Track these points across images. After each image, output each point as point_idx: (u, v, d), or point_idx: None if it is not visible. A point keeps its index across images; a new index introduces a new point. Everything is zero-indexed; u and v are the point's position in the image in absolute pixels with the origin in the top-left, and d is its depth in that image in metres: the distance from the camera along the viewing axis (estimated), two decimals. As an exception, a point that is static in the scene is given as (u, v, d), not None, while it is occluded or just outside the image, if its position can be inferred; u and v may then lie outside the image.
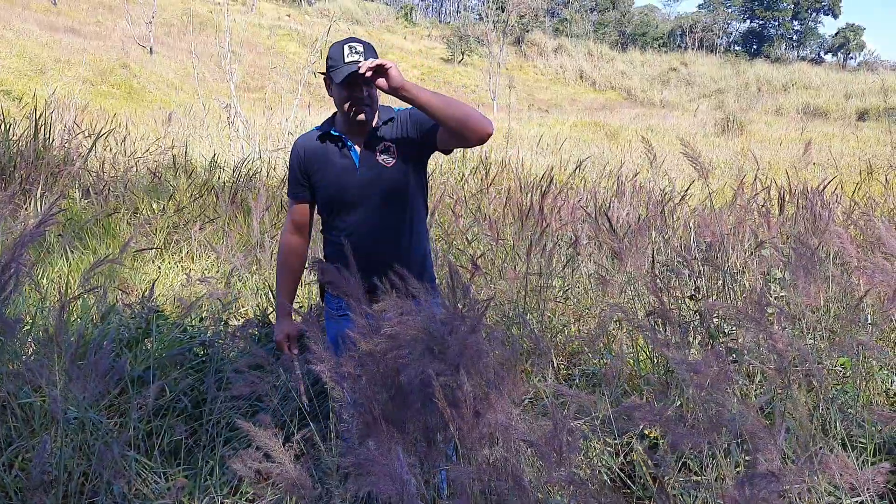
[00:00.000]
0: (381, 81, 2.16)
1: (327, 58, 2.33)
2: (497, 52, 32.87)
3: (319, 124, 2.52)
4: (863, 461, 2.24)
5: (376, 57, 2.29)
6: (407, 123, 2.42)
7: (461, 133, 2.22)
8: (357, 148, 2.41)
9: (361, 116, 2.33)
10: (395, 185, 2.40)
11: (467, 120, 2.19)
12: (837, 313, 3.16)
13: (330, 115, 2.53)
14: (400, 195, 2.42)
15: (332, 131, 2.43)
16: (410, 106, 2.30)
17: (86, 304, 3.46)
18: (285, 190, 6.60)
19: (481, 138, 2.25)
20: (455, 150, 2.72)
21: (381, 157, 2.39)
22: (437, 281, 2.64)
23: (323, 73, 2.41)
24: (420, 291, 1.98)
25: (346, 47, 2.26)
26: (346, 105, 2.32)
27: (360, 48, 2.26)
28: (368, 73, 2.13)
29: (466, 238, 5.27)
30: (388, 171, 2.39)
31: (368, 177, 2.39)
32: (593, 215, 4.40)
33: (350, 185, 2.40)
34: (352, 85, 2.27)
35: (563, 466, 1.67)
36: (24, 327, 2.97)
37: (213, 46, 20.24)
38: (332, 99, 2.42)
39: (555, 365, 3.44)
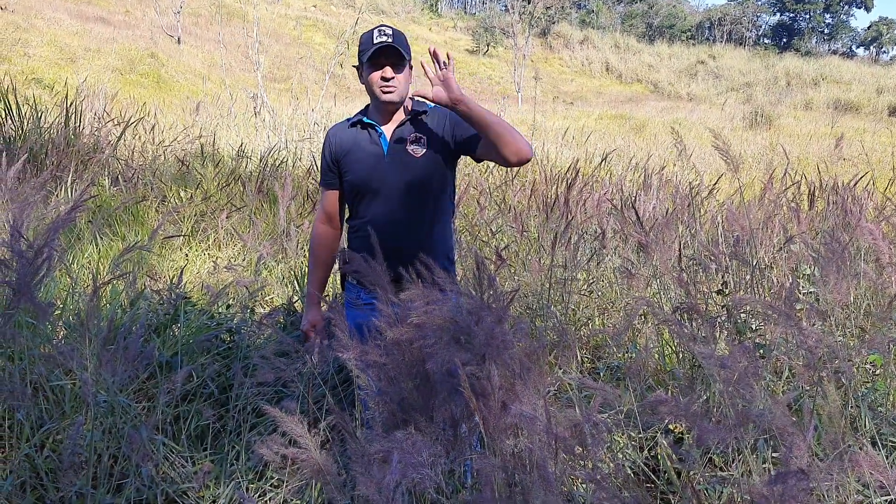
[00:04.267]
0: (439, 92, 2.23)
1: (358, 46, 2.41)
2: (523, 43, 32.68)
3: (352, 115, 2.57)
4: (893, 460, 2.21)
5: (406, 43, 2.38)
6: (445, 124, 2.45)
7: (504, 150, 2.26)
8: (387, 135, 2.44)
9: (390, 96, 2.38)
10: (421, 176, 2.42)
11: (514, 140, 2.26)
12: (868, 310, 3.12)
13: (362, 107, 2.58)
14: (425, 186, 2.44)
15: (363, 119, 2.48)
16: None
17: (115, 290, 3.51)
18: (312, 179, 6.66)
19: (521, 160, 2.30)
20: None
21: (411, 147, 2.42)
22: (458, 277, 2.65)
23: (355, 66, 2.48)
24: (446, 282, 1.99)
25: (375, 31, 2.35)
26: (375, 86, 2.37)
27: (388, 31, 2.35)
28: (433, 76, 2.24)
29: (491, 230, 5.26)
30: (417, 161, 2.42)
31: (395, 165, 2.42)
32: (619, 208, 4.37)
33: (376, 171, 2.43)
34: (380, 64, 2.35)
35: (587, 459, 1.66)
36: (55, 311, 3.02)
37: (240, 37, 20.40)
38: (362, 89, 2.48)
39: (579, 358, 3.43)
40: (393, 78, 2.36)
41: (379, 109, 2.44)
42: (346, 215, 2.64)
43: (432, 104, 2.51)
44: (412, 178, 2.42)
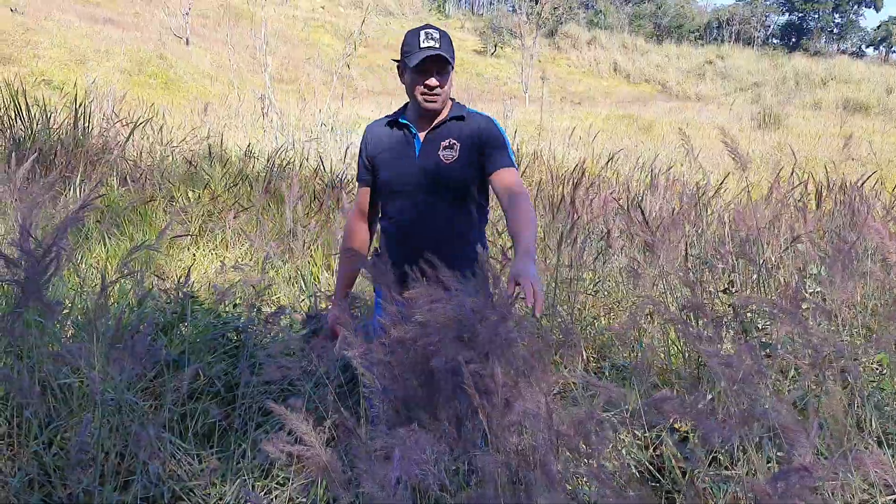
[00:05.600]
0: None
1: (402, 44, 2.35)
2: (530, 44, 32.64)
3: (391, 113, 2.54)
4: (898, 459, 2.21)
5: (452, 47, 2.32)
6: (479, 137, 2.40)
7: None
8: (421, 137, 2.42)
9: (431, 104, 2.34)
10: (450, 182, 2.39)
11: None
12: (875, 310, 3.11)
13: (401, 105, 2.54)
14: (453, 192, 2.41)
15: (400, 119, 2.45)
16: (486, 114, 2.42)
17: (123, 289, 3.53)
18: (319, 180, 6.68)
19: None
20: None
21: (442, 153, 2.39)
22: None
23: (397, 61, 2.42)
24: (451, 281, 1.96)
25: (422, 33, 2.30)
26: (418, 92, 2.33)
27: (436, 35, 2.29)
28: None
29: (497, 229, 5.26)
30: (447, 167, 2.38)
31: (426, 168, 2.39)
32: (626, 208, 4.37)
33: (406, 172, 2.41)
34: (425, 71, 2.30)
35: (591, 457, 1.67)
36: (63, 310, 3.04)
37: (248, 38, 20.47)
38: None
39: (584, 357, 3.43)
40: (437, 86, 2.32)
41: (418, 112, 2.41)
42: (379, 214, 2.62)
43: (470, 109, 2.48)
44: (441, 182, 2.39)
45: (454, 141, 2.39)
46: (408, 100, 2.48)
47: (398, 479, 1.46)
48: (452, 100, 2.47)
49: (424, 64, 2.28)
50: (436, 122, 2.42)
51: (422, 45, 2.28)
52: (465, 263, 2.34)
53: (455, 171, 2.38)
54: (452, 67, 2.36)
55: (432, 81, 2.31)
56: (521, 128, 11.69)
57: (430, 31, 2.30)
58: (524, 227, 2.15)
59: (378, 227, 2.63)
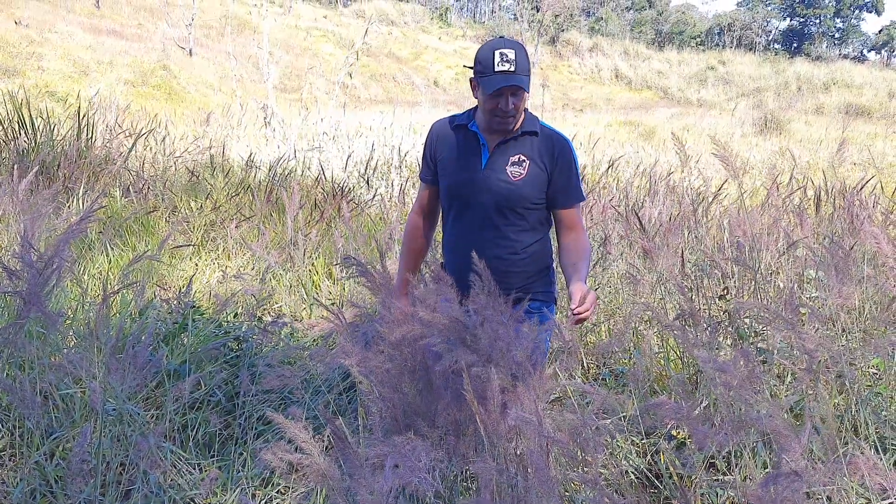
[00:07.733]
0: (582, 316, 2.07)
1: (476, 61, 2.23)
2: (532, 51, 32.73)
3: (461, 113, 2.43)
4: (894, 462, 2.21)
5: (528, 64, 2.21)
6: (553, 163, 2.30)
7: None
8: (490, 148, 2.31)
9: (504, 127, 2.26)
10: (513, 199, 2.29)
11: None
12: (872, 314, 3.12)
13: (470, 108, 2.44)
14: (515, 208, 2.31)
15: (469, 126, 2.34)
16: (562, 133, 2.34)
17: (125, 299, 3.55)
18: (321, 189, 6.71)
19: None
20: None
21: (510, 168, 2.28)
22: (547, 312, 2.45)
23: (470, 67, 2.31)
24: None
25: (496, 54, 2.15)
26: (490, 114, 2.23)
27: (511, 56, 2.14)
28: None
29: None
30: (514, 184, 2.28)
31: (490, 181, 2.29)
32: (625, 214, 4.38)
33: (469, 183, 2.32)
34: (500, 96, 2.18)
35: (588, 464, 1.68)
36: (65, 321, 3.06)
37: (251, 48, 20.57)
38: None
39: (584, 364, 3.44)
40: (512, 107, 2.19)
41: (489, 128, 2.30)
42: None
43: (544, 123, 2.37)
44: (505, 198, 2.29)
45: (524, 157, 2.28)
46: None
47: (390, 487, 1.47)
48: (526, 110, 2.34)
49: (500, 91, 2.16)
50: (508, 134, 2.30)
51: (496, 69, 2.14)
52: (518, 279, 2.34)
53: (521, 189, 2.28)
54: (528, 88, 2.22)
55: (507, 104, 2.18)
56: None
57: (504, 51, 2.14)
58: (581, 259, 2.29)
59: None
